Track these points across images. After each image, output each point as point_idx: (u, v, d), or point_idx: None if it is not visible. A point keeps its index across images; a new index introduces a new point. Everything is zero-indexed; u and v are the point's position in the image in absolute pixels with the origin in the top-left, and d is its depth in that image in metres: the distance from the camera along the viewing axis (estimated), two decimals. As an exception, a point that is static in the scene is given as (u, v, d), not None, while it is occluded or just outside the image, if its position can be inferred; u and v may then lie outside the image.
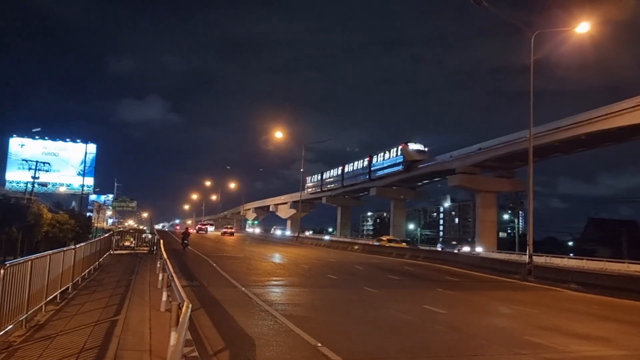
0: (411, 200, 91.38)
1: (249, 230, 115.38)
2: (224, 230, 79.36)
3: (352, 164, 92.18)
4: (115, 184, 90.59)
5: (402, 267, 31.30)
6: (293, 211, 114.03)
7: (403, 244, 53.18)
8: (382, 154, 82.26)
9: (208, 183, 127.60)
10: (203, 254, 32.78)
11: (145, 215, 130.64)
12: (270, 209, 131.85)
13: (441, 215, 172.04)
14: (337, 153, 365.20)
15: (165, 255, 18.18)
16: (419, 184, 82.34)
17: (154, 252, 30.52)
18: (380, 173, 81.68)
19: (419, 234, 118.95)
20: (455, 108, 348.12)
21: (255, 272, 23.56)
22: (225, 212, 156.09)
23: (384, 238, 57.86)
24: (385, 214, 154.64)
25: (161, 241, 30.90)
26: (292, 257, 34.21)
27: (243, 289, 17.59)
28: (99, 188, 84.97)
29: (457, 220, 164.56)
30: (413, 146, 74.84)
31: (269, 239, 70.55)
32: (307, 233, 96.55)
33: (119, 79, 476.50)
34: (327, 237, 74.21)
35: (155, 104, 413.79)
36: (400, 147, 76.44)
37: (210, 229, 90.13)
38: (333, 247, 52.07)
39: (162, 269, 16.69)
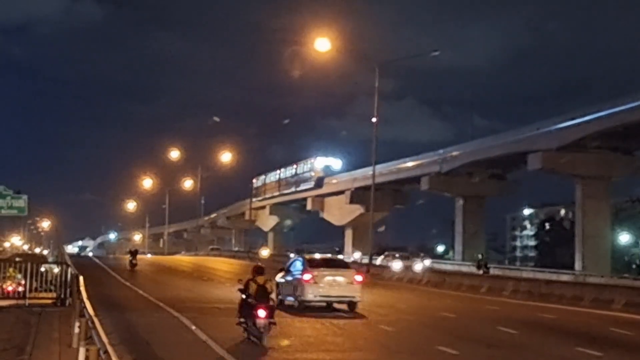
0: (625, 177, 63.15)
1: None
2: None
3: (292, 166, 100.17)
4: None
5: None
6: (355, 208, 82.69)
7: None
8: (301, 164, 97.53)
9: (175, 155, 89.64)
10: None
11: (45, 225, 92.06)
12: (309, 207, 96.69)
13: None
14: (453, 78, 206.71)
15: (90, 309, 15.20)
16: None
17: (66, 302, 22.79)
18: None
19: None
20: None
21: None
22: (215, 214, 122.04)
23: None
24: (562, 211, 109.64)
25: (81, 279, 22.77)
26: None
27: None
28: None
29: None
30: (322, 161, 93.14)
31: None
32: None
33: None
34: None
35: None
36: (311, 161, 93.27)
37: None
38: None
39: (85, 338, 12.29)
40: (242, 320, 16.53)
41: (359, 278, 23.72)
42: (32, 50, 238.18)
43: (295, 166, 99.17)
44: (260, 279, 16.47)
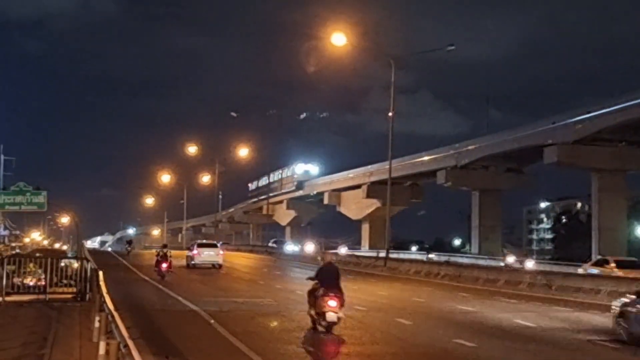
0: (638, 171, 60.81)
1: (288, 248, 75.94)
2: None
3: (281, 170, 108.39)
4: (2, 158, 57.61)
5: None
6: (372, 203, 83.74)
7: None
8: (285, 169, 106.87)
9: (193, 150, 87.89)
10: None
11: (64, 221, 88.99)
12: (325, 201, 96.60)
13: None
14: (469, 70, 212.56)
15: (110, 303, 15.09)
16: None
17: (86, 296, 22.11)
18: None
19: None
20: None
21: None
22: (233, 209, 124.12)
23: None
24: (579, 204, 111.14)
25: (100, 274, 22.21)
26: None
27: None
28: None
29: None
30: (302, 167, 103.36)
31: None
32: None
33: None
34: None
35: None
36: (292, 167, 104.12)
37: None
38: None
39: (106, 332, 12.04)
40: (155, 269, 35.12)
41: (221, 252, 45.10)
42: (49, 45, 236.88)
43: (280, 171, 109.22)
44: (164, 251, 35.73)
